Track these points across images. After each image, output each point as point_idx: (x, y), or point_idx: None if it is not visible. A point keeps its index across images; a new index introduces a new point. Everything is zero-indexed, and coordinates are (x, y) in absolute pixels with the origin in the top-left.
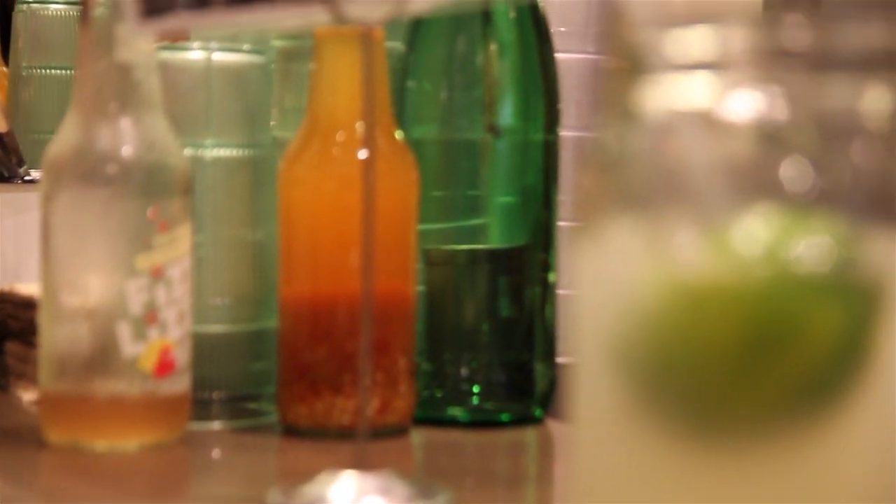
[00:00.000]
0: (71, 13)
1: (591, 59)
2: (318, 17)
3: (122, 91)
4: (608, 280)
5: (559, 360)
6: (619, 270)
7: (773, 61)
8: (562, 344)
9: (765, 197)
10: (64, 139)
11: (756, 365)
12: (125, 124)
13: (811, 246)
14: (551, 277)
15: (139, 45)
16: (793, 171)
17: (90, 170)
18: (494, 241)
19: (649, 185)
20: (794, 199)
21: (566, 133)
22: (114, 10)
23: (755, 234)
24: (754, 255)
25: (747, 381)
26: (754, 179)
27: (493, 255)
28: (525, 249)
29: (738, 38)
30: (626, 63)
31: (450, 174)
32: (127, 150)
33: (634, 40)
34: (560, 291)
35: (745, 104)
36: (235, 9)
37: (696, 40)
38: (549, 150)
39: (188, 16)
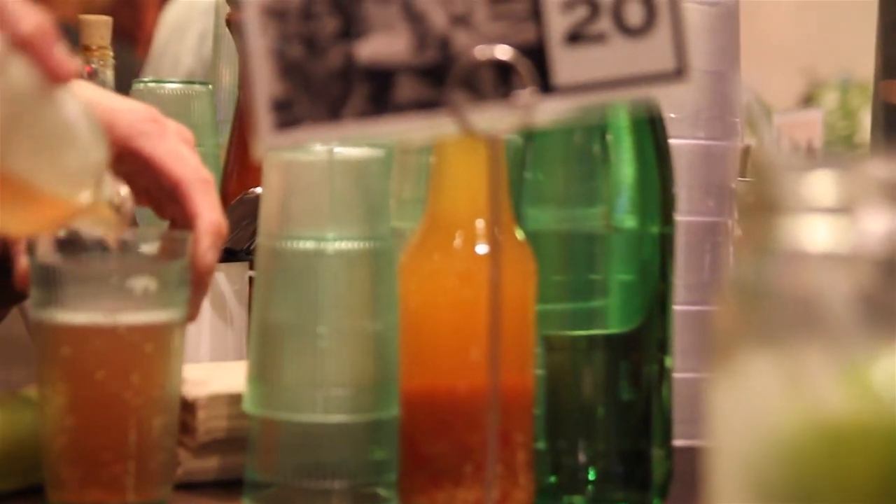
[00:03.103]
0: (186, 92)
1: (701, 145)
2: (445, 129)
3: None
4: (746, 414)
5: (675, 443)
6: (757, 405)
7: None
8: (676, 427)
9: None
10: None
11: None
12: None
13: None
14: (668, 361)
15: None
16: None
17: None
18: (613, 320)
19: (787, 321)
20: None
21: (678, 217)
22: None
23: (892, 371)
24: (892, 393)
25: None
26: (891, 317)
27: (612, 339)
28: (642, 330)
29: (870, 180)
30: (763, 202)
31: (568, 260)
32: None
33: (772, 181)
34: (675, 375)
35: (880, 242)
36: (366, 121)
37: (830, 182)
38: (665, 241)
39: (320, 128)
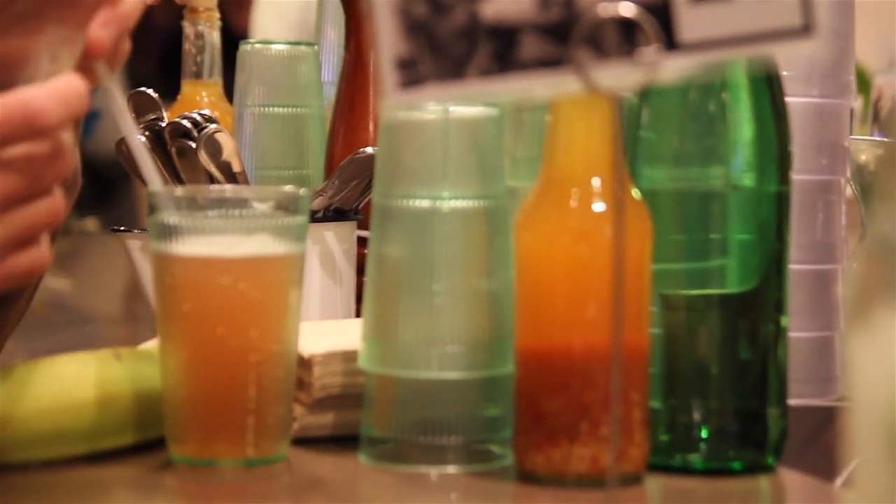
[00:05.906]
0: (292, 53)
1: (814, 103)
2: (569, 87)
3: None
4: (884, 369)
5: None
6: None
7: None
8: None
9: None
10: None
11: None
12: None
13: None
14: (783, 321)
15: None
16: None
17: None
18: (730, 280)
19: None
20: None
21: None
22: None
23: None
24: None
25: None
26: None
27: (729, 298)
28: (759, 290)
29: None
30: None
31: (685, 219)
32: None
33: None
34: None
35: None
36: (489, 79)
37: None
38: (782, 199)
39: (444, 86)
